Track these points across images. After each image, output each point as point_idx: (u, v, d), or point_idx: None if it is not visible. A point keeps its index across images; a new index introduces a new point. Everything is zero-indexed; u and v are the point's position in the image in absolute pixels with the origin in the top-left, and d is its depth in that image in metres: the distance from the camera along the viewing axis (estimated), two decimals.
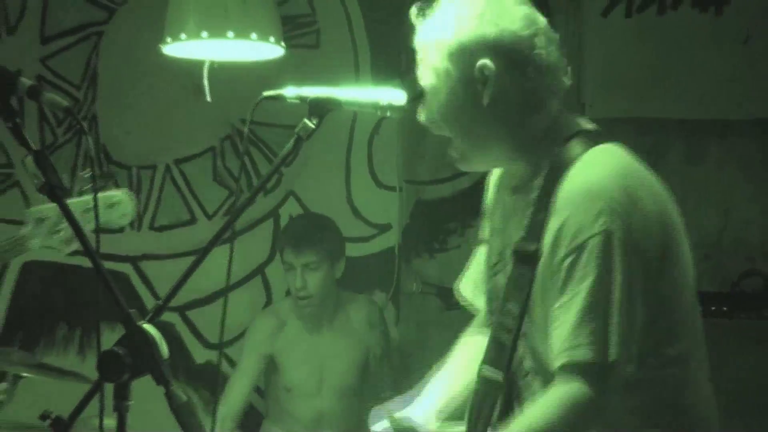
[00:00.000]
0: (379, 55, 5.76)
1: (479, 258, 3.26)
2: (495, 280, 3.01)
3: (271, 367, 5.28)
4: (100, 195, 3.40)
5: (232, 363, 5.40)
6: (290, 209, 5.74)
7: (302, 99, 2.80)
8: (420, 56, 2.88)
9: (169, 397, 2.48)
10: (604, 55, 5.44)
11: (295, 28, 5.31)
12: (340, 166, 5.79)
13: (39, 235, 3.46)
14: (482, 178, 5.71)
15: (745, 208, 5.47)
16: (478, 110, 2.82)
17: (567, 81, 2.87)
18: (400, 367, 5.53)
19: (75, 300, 5.64)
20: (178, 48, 4.66)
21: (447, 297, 5.36)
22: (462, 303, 3.36)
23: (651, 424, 2.81)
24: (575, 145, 2.83)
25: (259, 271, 5.72)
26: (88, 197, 3.37)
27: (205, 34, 4.52)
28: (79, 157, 5.55)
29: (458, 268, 5.65)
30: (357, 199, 5.80)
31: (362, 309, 5.37)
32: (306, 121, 2.75)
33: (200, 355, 5.67)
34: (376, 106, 2.93)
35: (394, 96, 2.88)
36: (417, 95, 2.95)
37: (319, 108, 2.78)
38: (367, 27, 5.80)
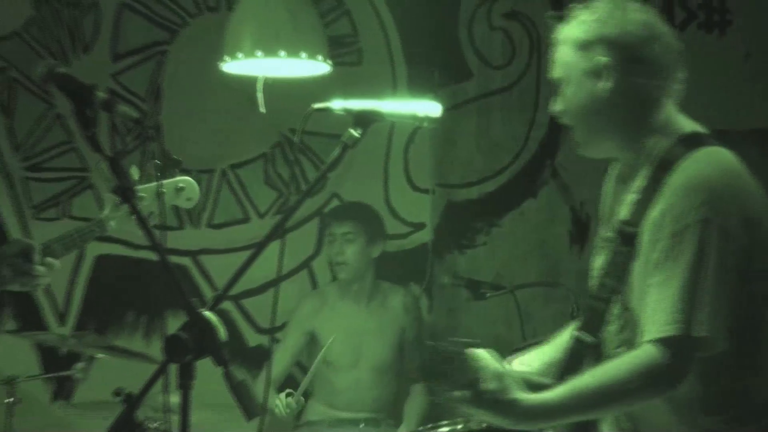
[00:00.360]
0: (415, 71, 5.76)
1: None
2: (596, 259, 3.04)
3: (312, 342, 5.31)
4: (167, 181, 3.53)
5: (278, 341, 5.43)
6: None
7: (348, 111, 2.84)
8: (554, 53, 2.92)
9: (228, 376, 2.51)
10: None
11: (339, 47, 5.32)
12: (379, 171, 5.80)
13: (116, 218, 3.47)
14: (507, 181, 5.75)
15: None
16: (599, 102, 2.87)
17: (681, 86, 2.92)
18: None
19: (141, 289, 5.65)
20: (234, 66, 4.70)
21: (474, 288, 5.36)
22: None
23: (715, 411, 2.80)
24: (687, 144, 2.86)
25: (306, 264, 5.73)
26: (155, 183, 3.40)
27: (259, 53, 4.56)
28: (145, 162, 5.57)
29: (484, 262, 5.71)
30: (394, 201, 5.81)
31: (399, 296, 5.38)
32: (351, 131, 2.79)
33: (253, 339, 5.69)
34: (414, 117, 2.96)
35: (429, 108, 2.93)
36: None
37: (364, 119, 2.82)
38: (403, 46, 5.80)
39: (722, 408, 2.78)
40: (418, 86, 5.52)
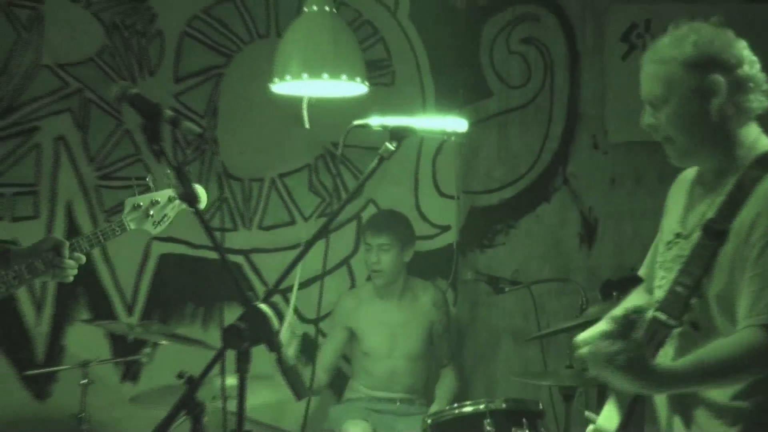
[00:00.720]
0: (442, 91, 5.80)
1: (653, 252, 3.28)
2: (669, 252, 3.03)
3: (353, 336, 5.36)
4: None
5: (323, 333, 5.48)
6: (370, 213, 5.76)
7: (384, 127, 2.90)
8: (651, 71, 2.89)
9: (280, 361, 2.57)
10: (623, 90, 5.45)
11: (375, 70, 5.37)
12: (410, 179, 5.83)
13: (135, 219, 3.48)
14: (523, 188, 5.74)
15: None
16: (705, 117, 2.86)
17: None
18: (456, 340, 5.56)
19: (200, 284, 5.70)
20: (283, 86, 4.73)
21: (494, 283, 5.38)
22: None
23: None
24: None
25: (345, 262, 5.78)
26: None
27: (305, 75, 4.59)
28: (203, 171, 5.60)
29: (504, 260, 5.74)
30: (423, 206, 5.84)
31: (428, 292, 5.41)
32: (387, 144, 2.85)
33: (299, 328, 5.67)
34: (442, 132, 2.99)
35: (456, 124, 2.99)
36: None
37: (398, 134, 2.88)
38: (431, 69, 5.84)
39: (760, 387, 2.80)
40: (445, 104, 5.56)
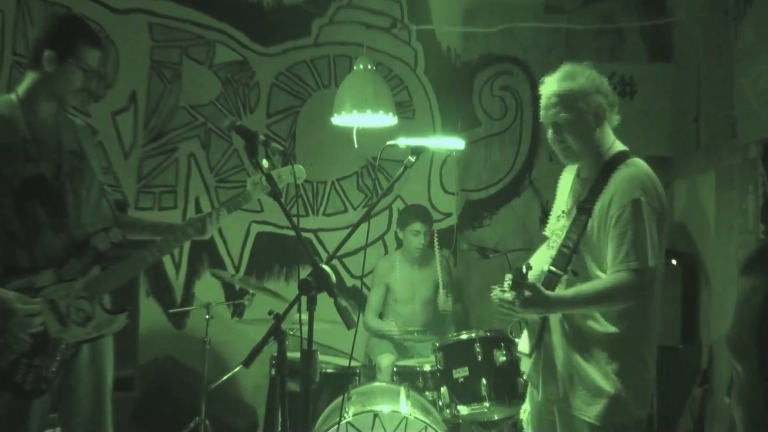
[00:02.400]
0: (446, 122, 5.72)
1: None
2: (557, 224, 3.06)
3: (388, 289, 5.29)
4: (284, 168, 3.40)
5: (366, 286, 5.44)
6: (398, 205, 5.72)
7: (408, 146, 2.86)
8: (554, 101, 2.89)
9: (336, 303, 2.54)
10: None
11: (401, 108, 5.34)
12: (425, 181, 5.77)
13: (255, 191, 3.37)
14: (502, 188, 5.70)
15: None
16: (593, 129, 2.90)
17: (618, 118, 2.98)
18: (456, 290, 5.51)
19: (283, 252, 5.69)
20: (339, 119, 4.73)
21: (482, 252, 5.36)
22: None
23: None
24: (623, 155, 2.93)
25: (380, 237, 5.72)
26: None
27: (354, 111, 4.57)
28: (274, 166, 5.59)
29: (488, 236, 5.70)
30: (433, 199, 5.77)
31: (438, 255, 5.30)
32: (410, 157, 2.83)
33: (349, 281, 5.68)
34: (447, 149, 3.00)
35: (456, 144, 2.95)
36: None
37: (417, 150, 2.87)
38: (439, 107, 5.77)
39: (624, 317, 2.84)
40: (448, 131, 5.50)
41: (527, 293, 2.76)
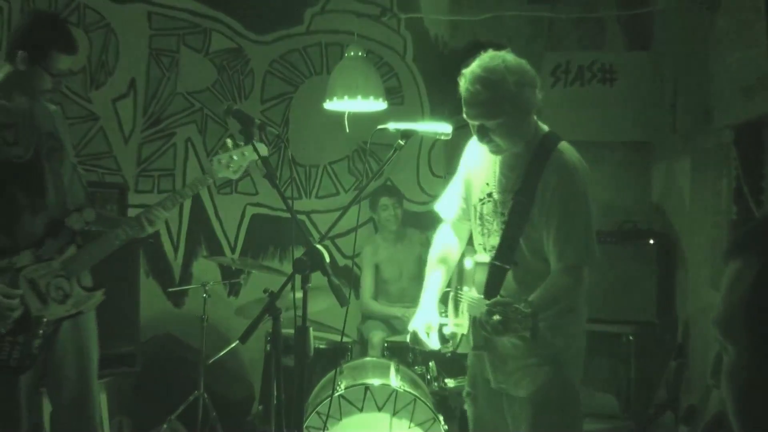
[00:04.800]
0: (435, 107, 5.75)
1: (454, 191, 3.08)
2: (485, 207, 2.86)
3: (377, 270, 5.32)
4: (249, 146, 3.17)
5: (357, 266, 5.45)
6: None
7: (397, 129, 2.84)
8: (484, 93, 2.64)
9: (330, 281, 2.57)
10: (552, 107, 5.42)
11: (390, 94, 5.34)
12: (414, 165, 5.79)
13: (220, 170, 3.27)
14: None
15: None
16: (519, 126, 2.69)
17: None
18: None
19: (277, 233, 5.70)
20: (331, 105, 4.74)
21: None
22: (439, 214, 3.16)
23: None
24: (551, 139, 2.74)
25: (371, 219, 5.68)
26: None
27: (346, 97, 4.58)
28: (280, 159, 5.60)
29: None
30: (422, 182, 5.80)
31: (416, 235, 5.37)
32: (400, 141, 2.82)
33: (341, 261, 5.70)
34: (435, 133, 2.97)
35: (444, 128, 2.93)
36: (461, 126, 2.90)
37: (406, 134, 2.84)
38: (428, 93, 5.80)
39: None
40: (436, 116, 5.52)
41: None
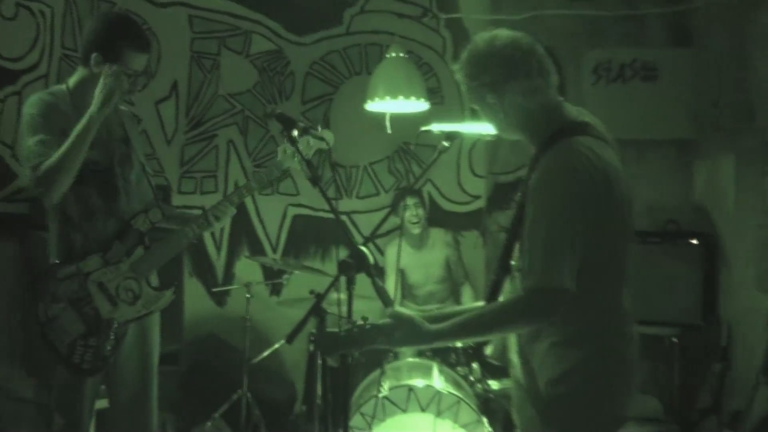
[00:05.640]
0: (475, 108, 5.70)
1: None
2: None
3: (403, 275, 5.30)
4: (315, 133, 3.19)
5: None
6: (428, 188, 5.71)
7: (442, 131, 2.80)
8: (466, 90, 2.44)
9: (373, 282, 2.56)
10: (594, 106, 5.37)
11: (431, 94, 5.30)
12: (454, 165, 5.75)
13: (285, 160, 3.35)
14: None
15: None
16: (510, 118, 2.38)
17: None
18: (463, 267, 5.48)
19: (319, 233, 5.72)
20: (373, 105, 4.74)
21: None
22: None
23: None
24: (561, 133, 2.27)
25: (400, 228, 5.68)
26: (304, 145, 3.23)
27: (387, 98, 4.58)
28: (320, 160, 5.59)
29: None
30: (463, 182, 5.76)
31: (441, 236, 5.34)
32: (444, 143, 2.76)
33: (381, 261, 5.67)
34: (480, 134, 2.94)
35: (488, 128, 2.88)
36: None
37: (451, 135, 2.78)
38: None
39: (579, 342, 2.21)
40: (476, 116, 5.50)
41: (404, 331, 2.23)
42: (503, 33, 2.34)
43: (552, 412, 2.24)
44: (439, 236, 5.35)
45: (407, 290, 5.32)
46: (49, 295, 3.01)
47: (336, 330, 2.31)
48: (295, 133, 2.82)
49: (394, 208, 5.20)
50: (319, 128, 2.98)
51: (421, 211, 5.21)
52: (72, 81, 3.13)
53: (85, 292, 3.04)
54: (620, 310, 2.25)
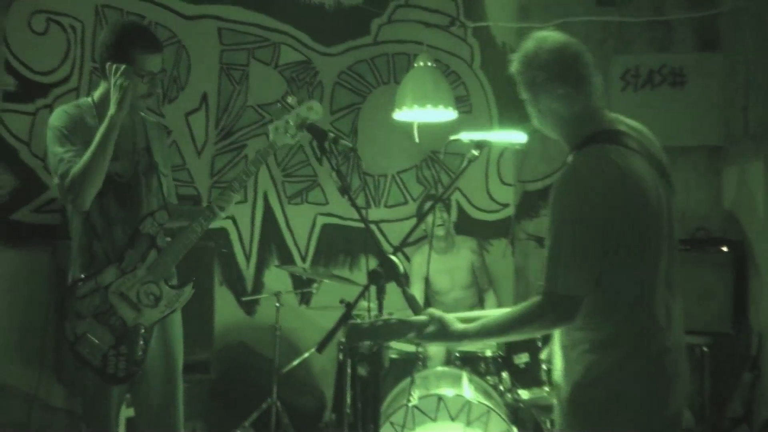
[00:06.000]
0: (504, 115, 5.70)
1: None
2: None
3: (428, 283, 5.28)
4: (303, 105, 3.26)
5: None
6: (456, 196, 5.70)
7: (470, 139, 2.79)
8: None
9: (404, 292, 2.56)
10: (622, 112, 5.35)
11: (459, 103, 5.31)
12: (483, 173, 5.73)
13: (279, 137, 3.29)
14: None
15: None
16: (545, 117, 2.40)
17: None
18: (487, 274, 5.46)
19: (348, 242, 5.72)
20: (400, 115, 4.75)
21: (539, 241, 5.33)
22: None
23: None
24: (593, 139, 2.29)
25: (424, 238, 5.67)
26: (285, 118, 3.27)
27: (415, 107, 4.59)
28: (349, 170, 5.59)
29: (544, 225, 5.62)
30: (491, 190, 5.73)
31: (467, 243, 5.33)
32: (473, 151, 2.75)
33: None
34: (507, 143, 2.93)
35: (518, 136, 2.89)
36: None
37: (480, 144, 2.78)
38: (496, 101, 5.76)
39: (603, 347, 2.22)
40: (505, 123, 5.49)
41: (431, 328, 2.34)
42: (554, 37, 2.35)
43: (574, 417, 2.28)
44: (464, 242, 5.34)
45: (433, 298, 5.31)
46: (73, 314, 3.07)
47: (361, 321, 2.37)
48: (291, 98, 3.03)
49: (419, 215, 5.20)
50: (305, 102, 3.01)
51: (445, 215, 5.21)
52: (97, 94, 3.19)
53: (108, 304, 3.08)
54: (651, 319, 2.21)
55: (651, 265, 2.23)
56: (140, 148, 3.22)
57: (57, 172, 3.04)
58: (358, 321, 2.40)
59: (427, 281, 5.27)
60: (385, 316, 2.41)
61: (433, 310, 2.38)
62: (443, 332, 2.32)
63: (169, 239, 3.25)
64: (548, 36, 2.36)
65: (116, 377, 3.09)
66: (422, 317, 2.37)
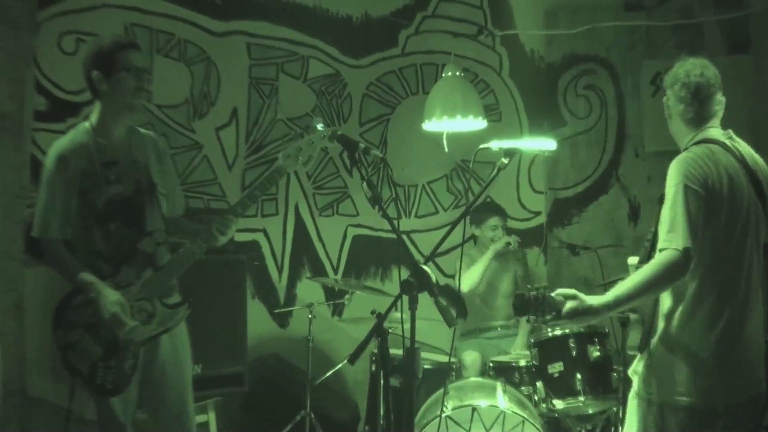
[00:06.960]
0: (533, 123, 5.67)
1: None
2: None
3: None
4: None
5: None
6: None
7: (501, 148, 2.78)
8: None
9: (437, 302, 2.53)
10: (653, 116, 5.28)
11: (488, 112, 5.27)
12: (513, 181, 5.70)
13: (289, 163, 3.27)
14: (590, 185, 5.61)
15: None
16: (671, 120, 2.96)
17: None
18: (531, 282, 5.42)
19: (379, 253, 5.69)
20: (430, 125, 4.72)
21: (572, 249, 5.27)
22: None
23: None
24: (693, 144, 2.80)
25: (472, 237, 5.60)
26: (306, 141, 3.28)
27: (445, 117, 4.55)
28: (379, 180, 5.57)
29: (577, 233, 5.61)
30: (523, 198, 5.71)
31: (515, 253, 5.28)
32: (503, 159, 2.74)
33: (442, 281, 5.64)
34: (538, 150, 2.91)
35: (547, 144, 2.86)
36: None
37: (510, 152, 2.77)
38: (526, 109, 5.73)
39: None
40: (535, 131, 5.46)
41: (570, 305, 2.55)
42: (697, 68, 2.94)
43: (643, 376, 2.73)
44: (513, 253, 5.30)
45: (474, 303, 5.25)
46: (66, 322, 3.11)
47: (524, 294, 2.54)
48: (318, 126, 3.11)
49: (476, 222, 5.15)
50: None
51: (504, 233, 5.17)
52: (94, 117, 3.22)
53: (100, 316, 3.08)
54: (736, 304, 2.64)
55: (736, 256, 2.67)
56: (142, 166, 3.24)
57: (35, 222, 3.14)
58: (523, 293, 2.55)
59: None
60: (541, 290, 2.56)
61: (565, 290, 2.58)
62: (580, 308, 2.53)
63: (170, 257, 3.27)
64: (695, 64, 2.99)
65: (104, 388, 3.11)
66: (557, 297, 2.55)
